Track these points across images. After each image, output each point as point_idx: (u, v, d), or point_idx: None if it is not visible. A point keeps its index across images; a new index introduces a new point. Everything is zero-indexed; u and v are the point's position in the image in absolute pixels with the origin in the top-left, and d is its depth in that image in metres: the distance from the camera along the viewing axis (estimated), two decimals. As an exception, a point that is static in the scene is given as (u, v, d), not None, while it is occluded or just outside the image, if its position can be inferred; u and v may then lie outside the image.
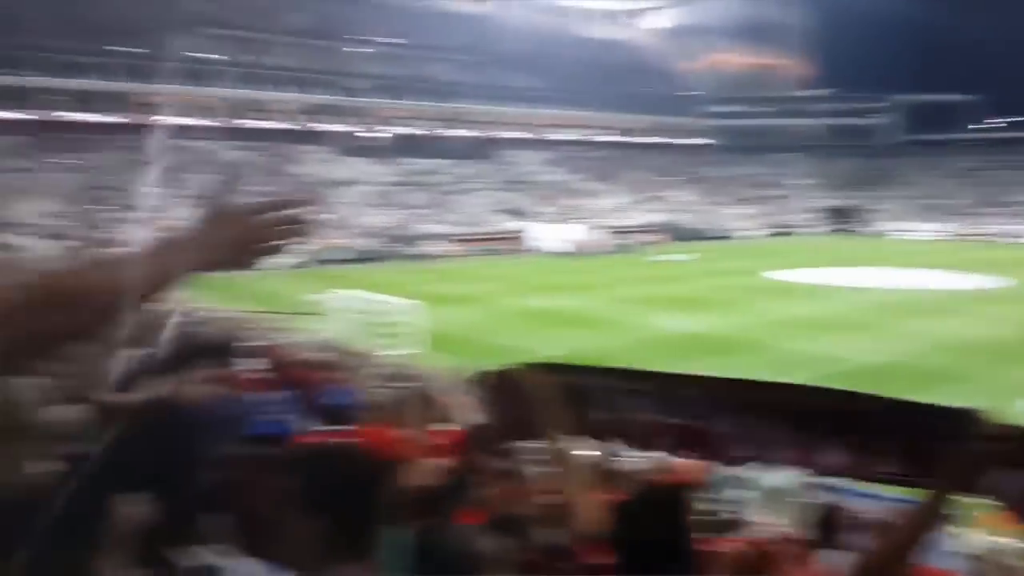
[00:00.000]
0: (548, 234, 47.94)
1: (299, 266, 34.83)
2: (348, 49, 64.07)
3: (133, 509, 1.85)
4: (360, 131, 60.73)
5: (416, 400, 4.30)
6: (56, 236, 35.22)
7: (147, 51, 53.64)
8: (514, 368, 2.54)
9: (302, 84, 59.76)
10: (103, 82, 50.99)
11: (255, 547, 1.96)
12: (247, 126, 56.16)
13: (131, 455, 2.03)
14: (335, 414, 3.82)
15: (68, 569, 1.63)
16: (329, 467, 1.64)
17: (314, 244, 42.76)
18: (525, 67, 71.16)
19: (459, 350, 17.56)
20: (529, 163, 65.89)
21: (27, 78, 48.59)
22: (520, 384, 2.42)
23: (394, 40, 65.72)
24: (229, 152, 52.22)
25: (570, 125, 71.66)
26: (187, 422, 2.44)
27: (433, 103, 64.91)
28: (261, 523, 1.83)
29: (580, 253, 43.97)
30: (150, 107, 52.91)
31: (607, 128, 73.63)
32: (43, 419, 1.93)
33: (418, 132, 63.12)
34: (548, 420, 2.35)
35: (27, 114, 48.05)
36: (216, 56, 57.26)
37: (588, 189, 62.60)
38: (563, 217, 53.41)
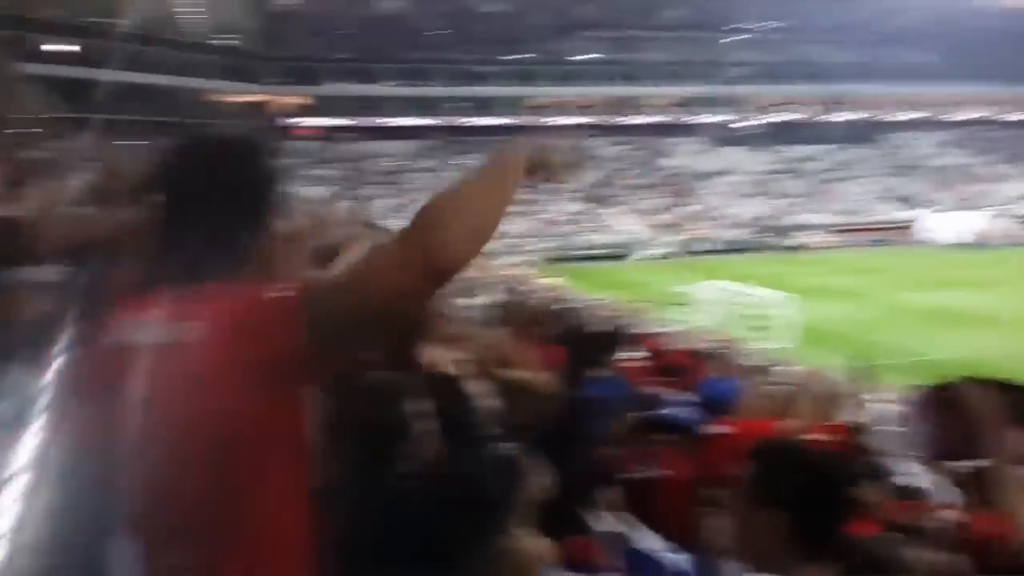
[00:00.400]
0: (943, 223, 43.11)
1: (667, 256, 35.31)
2: (724, 40, 63.14)
3: (541, 477, 2.04)
4: (734, 120, 59.63)
5: (802, 395, 4.17)
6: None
7: (536, 56, 58.16)
8: (957, 383, 2.34)
9: (677, 77, 60.19)
10: (499, 88, 56.06)
11: (647, 518, 2.05)
12: (623, 122, 58.00)
13: (537, 428, 2.16)
14: (717, 405, 3.85)
15: (485, 534, 1.79)
16: (791, 461, 1.65)
17: (682, 234, 43.12)
18: (918, 43, 64.25)
19: (836, 346, 16.55)
20: (921, 146, 59.63)
21: (435, 88, 55.27)
22: (962, 401, 2.22)
23: (771, 24, 63.33)
24: (605, 148, 54.48)
25: (973, 103, 63.14)
26: (587, 399, 2.64)
27: (813, 87, 61.49)
28: (674, 501, 1.91)
29: (982, 245, 38.92)
30: (539, 109, 57.44)
31: (1020, 104, 63.79)
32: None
33: (796, 118, 60.26)
34: (988, 440, 2.12)
35: (436, 120, 54.54)
36: (595, 56, 60.08)
37: (994, 173, 54.96)
38: (962, 204, 47.56)
